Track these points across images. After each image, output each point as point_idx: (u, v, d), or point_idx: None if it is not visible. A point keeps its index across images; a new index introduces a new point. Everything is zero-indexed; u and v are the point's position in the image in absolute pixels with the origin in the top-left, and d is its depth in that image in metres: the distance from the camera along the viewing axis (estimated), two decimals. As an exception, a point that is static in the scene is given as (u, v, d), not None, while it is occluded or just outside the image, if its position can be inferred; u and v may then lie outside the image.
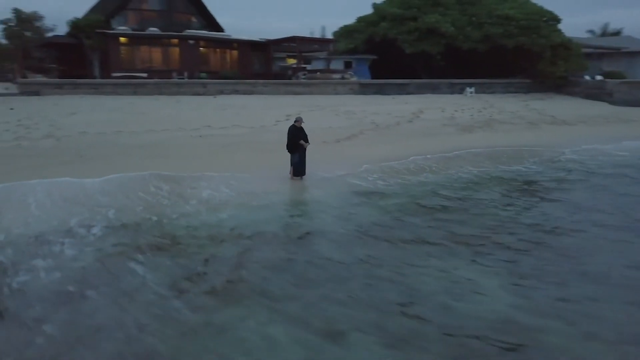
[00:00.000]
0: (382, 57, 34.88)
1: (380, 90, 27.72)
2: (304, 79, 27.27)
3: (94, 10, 33.42)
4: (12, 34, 35.37)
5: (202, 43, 28.19)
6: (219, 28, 33.13)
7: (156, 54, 27.29)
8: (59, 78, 24.84)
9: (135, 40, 26.99)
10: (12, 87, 21.65)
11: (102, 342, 4.84)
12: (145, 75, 24.91)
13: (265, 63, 32.82)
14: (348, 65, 35.14)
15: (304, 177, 12.34)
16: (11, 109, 17.98)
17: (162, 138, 15.92)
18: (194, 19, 32.11)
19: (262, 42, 32.01)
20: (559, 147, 17.67)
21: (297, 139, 12.16)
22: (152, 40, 27.24)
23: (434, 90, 29.94)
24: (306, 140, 12.30)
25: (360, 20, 38.29)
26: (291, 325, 5.22)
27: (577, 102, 31.89)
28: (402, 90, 28.52)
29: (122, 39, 26.69)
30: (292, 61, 34.72)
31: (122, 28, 27.83)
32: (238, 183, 11.89)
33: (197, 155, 14.26)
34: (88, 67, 27.12)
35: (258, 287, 6.12)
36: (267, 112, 20.81)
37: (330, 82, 26.27)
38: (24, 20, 35.91)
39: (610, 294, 6.02)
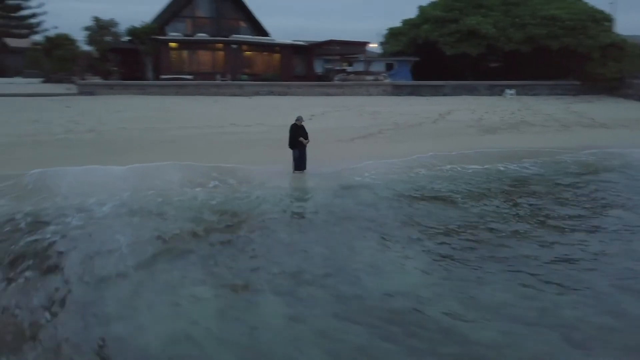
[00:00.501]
0: (426, 58, 35.11)
1: (415, 92, 28.14)
2: (337, 81, 28.30)
3: (156, 19, 36.37)
4: (94, 40, 39.55)
5: (245, 47, 30.06)
6: (264, 32, 34.91)
7: (202, 57, 29.49)
8: (120, 80, 27.64)
9: (184, 45, 29.34)
10: (74, 88, 24.52)
11: (62, 287, 6.19)
12: (190, 77, 27.07)
13: (307, 65, 34.15)
14: (389, 67, 35.73)
15: (304, 171, 13.37)
16: (67, 106, 20.52)
17: (189, 134, 17.55)
18: (242, 24, 34.09)
19: (305, 45, 33.36)
20: (577, 150, 17.41)
21: (297, 136, 13.22)
22: (199, 44, 29.47)
23: (472, 92, 29.84)
24: (306, 138, 13.31)
25: (405, 22, 38.72)
26: (217, 285, 6.29)
27: (628, 105, 30.43)
28: (437, 91, 28.72)
29: (172, 44, 29.12)
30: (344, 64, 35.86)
31: (174, 34, 30.29)
32: (243, 174, 13.12)
33: (215, 149, 15.69)
34: (143, 70, 29.80)
35: (205, 254, 7.25)
36: (294, 112, 21.92)
37: (363, 83, 27.10)
38: (103, 27, 40.14)
39: (509, 277, 6.57)
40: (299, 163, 13.29)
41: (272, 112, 21.95)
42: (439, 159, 15.37)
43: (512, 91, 30.33)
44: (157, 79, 27.95)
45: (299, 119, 13.41)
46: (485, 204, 10.20)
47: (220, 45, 29.62)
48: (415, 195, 11.13)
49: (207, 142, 16.54)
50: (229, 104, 23.18)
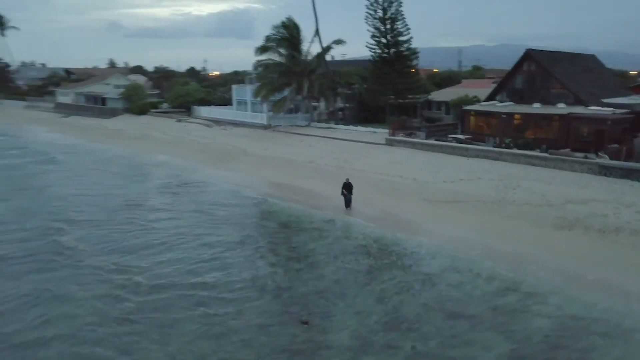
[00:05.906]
0: None
1: (630, 175, 26.97)
2: (548, 153, 30.97)
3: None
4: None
5: (516, 116, 36.73)
6: (580, 100, 38.28)
7: (483, 123, 38.74)
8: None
9: (478, 113, 39.60)
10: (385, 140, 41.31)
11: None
12: (463, 137, 37.94)
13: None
14: (702, 141, 30.99)
15: (350, 208, 26.21)
16: (365, 151, 38.05)
17: (378, 177, 31.47)
18: (556, 92, 39.25)
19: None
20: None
21: (344, 188, 26.22)
22: (485, 114, 38.85)
23: None
24: (350, 191, 26.06)
25: None
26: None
27: None
28: (667, 180, 25.87)
29: (472, 112, 40.17)
30: None
31: (486, 103, 40.84)
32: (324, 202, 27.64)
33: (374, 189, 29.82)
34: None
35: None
36: (460, 173, 30.28)
37: (568, 159, 29.24)
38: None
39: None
40: (346, 202, 26.41)
41: (444, 170, 31.29)
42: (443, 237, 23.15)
43: None
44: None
45: (347, 179, 26.38)
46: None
47: (497, 114, 37.92)
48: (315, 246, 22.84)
49: (366, 182, 30.55)
50: (444, 162, 33.13)
